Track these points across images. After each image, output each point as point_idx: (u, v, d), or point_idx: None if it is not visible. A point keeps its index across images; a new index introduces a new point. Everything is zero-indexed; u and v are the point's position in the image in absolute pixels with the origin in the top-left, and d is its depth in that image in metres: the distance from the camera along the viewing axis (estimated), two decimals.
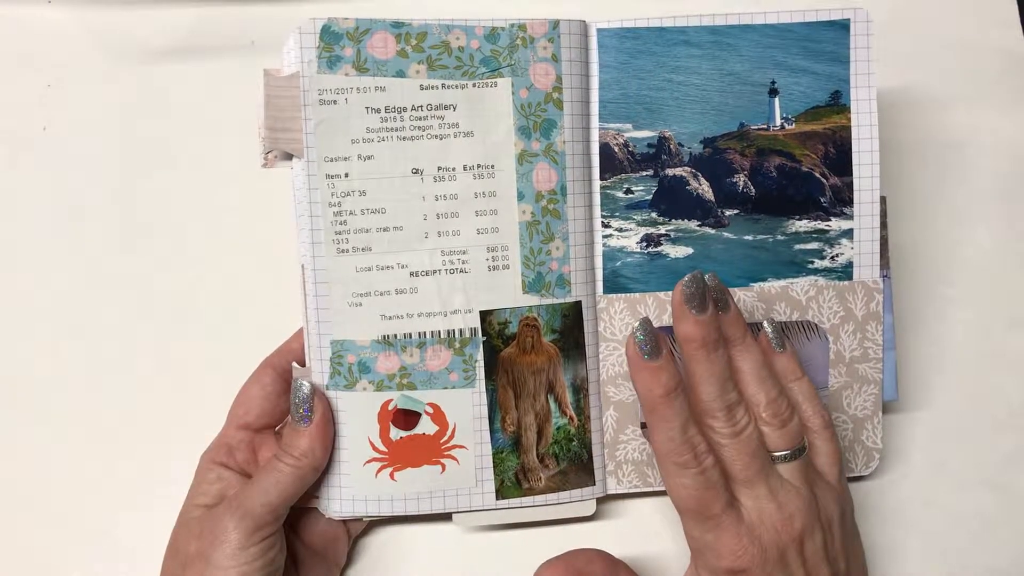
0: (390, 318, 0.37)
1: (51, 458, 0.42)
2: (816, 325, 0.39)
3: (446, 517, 0.38)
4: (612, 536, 0.41)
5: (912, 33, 0.47)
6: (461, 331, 0.37)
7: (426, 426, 0.37)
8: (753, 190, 0.39)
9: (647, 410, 0.33)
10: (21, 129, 0.44)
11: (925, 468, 0.43)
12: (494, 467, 0.37)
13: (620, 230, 0.39)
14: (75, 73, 0.45)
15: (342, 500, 0.37)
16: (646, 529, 0.41)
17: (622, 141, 0.39)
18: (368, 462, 0.37)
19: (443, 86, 0.36)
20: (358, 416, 0.37)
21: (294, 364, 0.37)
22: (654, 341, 0.32)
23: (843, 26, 0.38)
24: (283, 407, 0.38)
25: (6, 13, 0.46)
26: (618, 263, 0.39)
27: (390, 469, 0.37)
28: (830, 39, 0.38)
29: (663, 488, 0.39)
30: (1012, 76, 0.47)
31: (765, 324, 0.36)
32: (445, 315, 0.37)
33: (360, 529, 0.40)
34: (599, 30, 0.38)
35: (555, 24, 0.37)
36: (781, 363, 0.35)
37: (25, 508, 0.41)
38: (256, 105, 0.36)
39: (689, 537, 0.34)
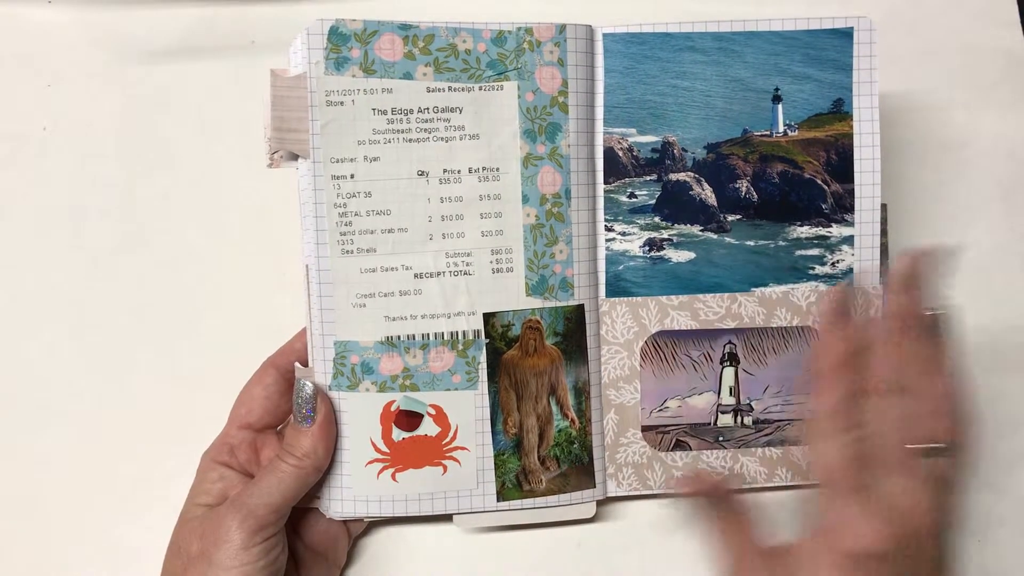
0: (394, 319, 0.37)
1: (52, 458, 0.41)
2: (816, 331, 0.39)
3: (447, 517, 0.38)
4: (612, 538, 0.41)
5: (912, 34, 0.47)
6: (464, 333, 0.37)
7: (428, 427, 0.37)
8: (755, 196, 0.40)
9: (819, 369, 0.32)
10: (21, 129, 0.44)
11: None
12: (495, 469, 0.38)
13: (623, 234, 0.39)
14: (75, 73, 0.45)
15: (343, 500, 0.37)
16: (646, 531, 0.41)
17: (626, 145, 0.39)
18: (370, 463, 0.37)
19: (450, 89, 0.36)
20: (360, 417, 0.37)
21: (297, 364, 0.37)
22: (848, 305, 0.31)
23: (846, 34, 0.39)
24: (285, 407, 0.38)
25: (6, 13, 0.45)
26: (621, 267, 0.39)
27: (392, 470, 0.37)
28: (833, 47, 0.39)
29: (662, 491, 0.40)
30: (1012, 77, 0.47)
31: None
32: (448, 317, 0.37)
33: (361, 529, 0.40)
34: (605, 35, 0.38)
35: (562, 28, 0.37)
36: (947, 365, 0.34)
37: (26, 508, 0.41)
38: (262, 105, 0.36)
39: (819, 513, 0.32)
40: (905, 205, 0.46)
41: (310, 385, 0.35)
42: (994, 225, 0.46)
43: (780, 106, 0.39)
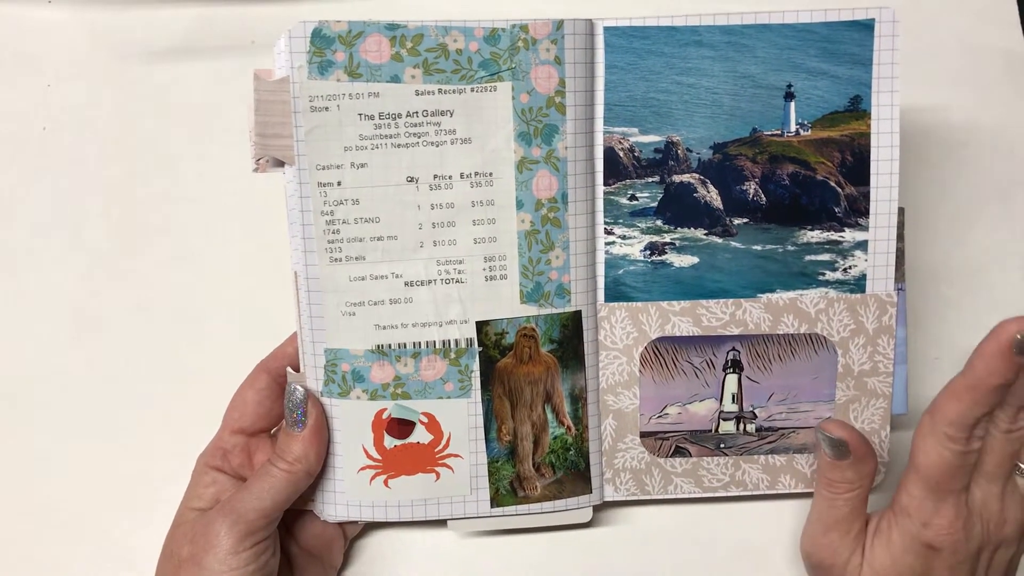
0: (384, 328, 0.36)
1: (50, 459, 0.42)
2: (824, 338, 0.38)
3: (442, 521, 0.38)
4: (608, 542, 0.41)
5: (912, 33, 0.45)
6: (456, 341, 0.36)
7: (420, 435, 0.37)
8: (764, 198, 0.38)
9: (968, 382, 0.32)
10: (21, 129, 0.44)
11: None
12: (489, 476, 0.37)
13: (623, 238, 0.38)
14: (75, 73, 0.45)
15: (336, 504, 0.37)
16: (643, 535, 0.41)
17: (627, 146, 0.37)
18: (362, 469, 0.37)
19: (440, 91, 0.35)
20: (352, 424, 0.36)
21: (288, 369, 0.37)
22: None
23: (867, 26, 0.36)
24: (278, 411, 0.38)
25: (6, 13, 0.45)
26: (620, 271, 0.38)
27: (384, 476, 0.37)
28: (852, 40, 0.36)
29: (660, 496, 0.39)
30: (1012, 77, 0.46)
31: None
32: (440, 325, 0.36)
33: (356, 531, 0.40)
34: (606, 28, 0.36)
35: (559, 24, 0.35)
36: None
37: (24, 508, 0.42)
38: (247, 108, 0.35)
39: (907, 494, 0.34)
40: (905, 205, 0.44)
41: (300, 390, 0.35)
42: (994, 225, 0.45)
43: (792, 104, 0.37)
